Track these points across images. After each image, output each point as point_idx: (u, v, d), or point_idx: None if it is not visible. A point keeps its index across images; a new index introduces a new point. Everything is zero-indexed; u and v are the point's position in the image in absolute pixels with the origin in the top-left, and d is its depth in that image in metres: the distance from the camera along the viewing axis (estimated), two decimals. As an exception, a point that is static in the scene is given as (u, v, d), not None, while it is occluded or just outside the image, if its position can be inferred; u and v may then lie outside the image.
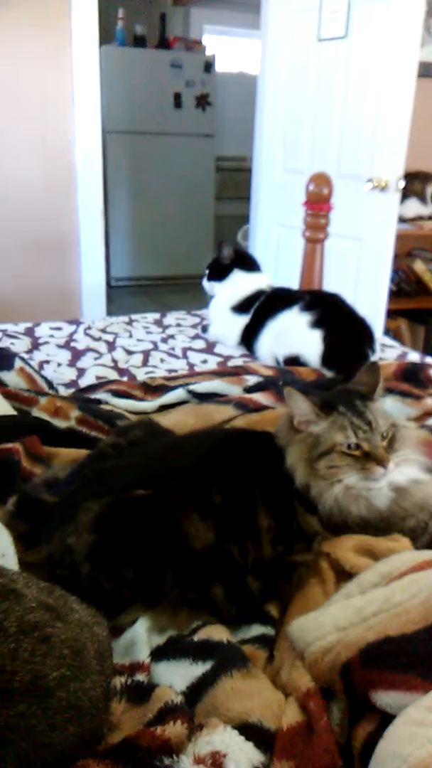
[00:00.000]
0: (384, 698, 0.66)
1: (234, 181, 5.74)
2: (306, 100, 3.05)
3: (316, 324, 1.74)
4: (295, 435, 0.99)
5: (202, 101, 5.23)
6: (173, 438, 1.16)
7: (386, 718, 0.64)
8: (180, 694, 0.67)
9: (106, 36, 4.89)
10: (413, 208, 3.47)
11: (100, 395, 1.42)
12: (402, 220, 3.36)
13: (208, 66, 5.19)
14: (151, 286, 5.50)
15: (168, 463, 1.00)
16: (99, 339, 1.96)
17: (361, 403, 0.99)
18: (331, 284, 2.35)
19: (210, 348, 1.96)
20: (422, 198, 3.50)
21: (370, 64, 2.70)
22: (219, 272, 2.09)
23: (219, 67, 5.36)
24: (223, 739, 0.57)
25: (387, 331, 3.45)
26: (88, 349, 1.86)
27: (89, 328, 2.06)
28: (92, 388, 1.50)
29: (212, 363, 1.82)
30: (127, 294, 5.31)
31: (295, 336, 1.77)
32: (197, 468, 0.97)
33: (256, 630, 0.87)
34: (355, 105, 2.81)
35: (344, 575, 0.89)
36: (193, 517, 0.89)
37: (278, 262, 3.33)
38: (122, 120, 5.01)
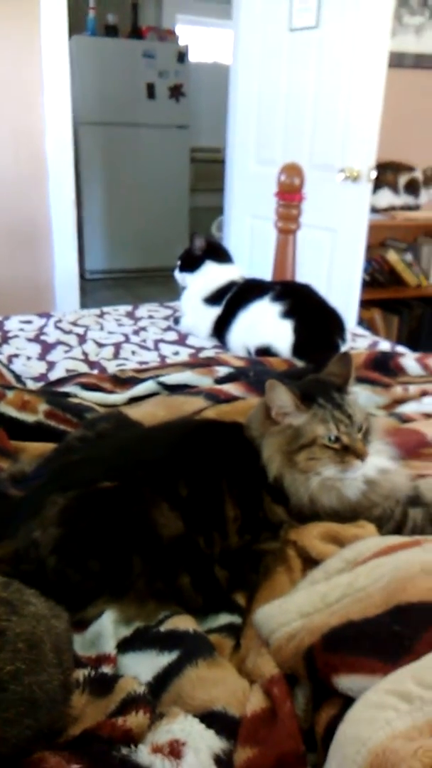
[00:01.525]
0: (345, 682, 0.66)
1: (209, 173, 5.71)
2: (278, 91, 3.04)
3: (287, 314, 1.75)
4: (270, 426, 0.99)
5: (176, 92, 5.20)
6: (141, 430, 1.16)
7: (348, 703, 0.65)
8: (143, 685, 0.67)
9: (77, 25, 4.83)
10: (386, 198, 3.49)
11: (69, 388, 1.41)
12: (375, 210, 3.37)
13: (182, 56, 5.15)
14: (127, 279, 5.47)
15: (136, 455, 1.00)
16: (70, 332, 1.94)
17: (338, 395, 1.00)
18: (304, 275, 2.35)
19: (182, 340, 1.96)
20: (394, 188, 3.52)
21: (342, 54, 2.70)
22: (191, 263, 2.08)
23: (193, 57, 5.32)
24: (183, 727, 0.58)
25: (361, 322, 3.47)
26: (59, 343, 1.85)
27: (60, 321, 2.04)
28: (61, 381, 1.49)
29: (184, 355, 1.82)
30: (102, 287, 5.27)
31: (265, 326, 1.77)
32: (165, 459, 0.97)
33: (224, 619, 0.87)
34: (327, 95, 2.81)
35: (311, 563, 0.90)
36: (162, 506, 0.89)
37: (253, 253, 3.33)
38: (94, 111, 4.96)
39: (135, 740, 0.57)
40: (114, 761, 0.52)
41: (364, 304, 3.42)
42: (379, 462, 1.01)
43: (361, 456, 0.95)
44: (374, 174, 2.75)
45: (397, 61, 3.45)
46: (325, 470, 0.94)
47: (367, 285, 3.50)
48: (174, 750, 0.54)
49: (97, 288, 5.22)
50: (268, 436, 0.99)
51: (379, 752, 0.54)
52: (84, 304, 3.32)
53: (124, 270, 5.50)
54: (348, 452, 0.95)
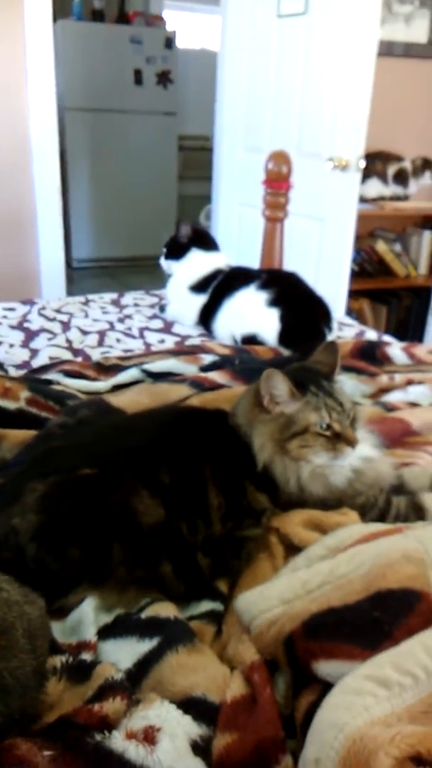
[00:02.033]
0: (325, 668, 0.66)
1: (197, 161, 5.67)
2: (267, 77, 3.02)
3: (273, 302, 1.74)
4: (259, 414, 0.98)
5: (164, 78, 5.15)
6: (123, 416, 1.15)
7: (328, 689, 0.64)
8: (121, 671, 0.67)
9: (63, 10, 4.78)
10: (375, 188, 3.48)
11: (51, 376, 1.39)
12: (364, 200, 3.36)
13: (169, 42, 5.10)
14: (114, 268, 5.43)
15: (117, 442, 0.99)
16: (53, 319, 1.92)
17: (327, 383, 1.00)
18: (292, 264, 2.34)
19: (168, 328, 1.95)
20: (383, 178, 3.51)
21: (330, 41, 2.67)
22: (177, 251, 2.06)
23: (180, 44, 5.27)
24: (159, 713, 0.57)
25: (349, 312, 3.47)
26: (42, 330, 1.83)
27: (44, 308, 2.02)
28: (44, 368, 1.48)
29: (170, 343, 1.80)
30: (89, 276, 5.23)
31: (252, 315, 1.76)
32: (147, 446, 0.96)
33: (206, 606, 0.87)
34: (316, 82, 2.79)
35: (293, 550, 0.90)
36: (143, 493, 0.88)
37: (240, 242, 3.31)
38: (81, 97, 4.90)
39: (111, 726, 0.57)
40: (87, 747, 0.51)
41: (353, 294, 3.42)
42: (363, 450, 1.01)
43: (352, 443, 0.96)
44: (363, 163, 2.74)
45: (387, 49, 3.43)
46: (316, 458, 0.95)
47: (355, 275, 3.50)
48: (148, 736, 0.53)
49: (84, 277, 5.18)
50: (258, 424, 0.98)
51: (357, 738, 0.54)
52: (71, 293, 3.28)
53: (112, 258, 5.46)
54: (339, 439, 0.95)
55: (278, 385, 0.96)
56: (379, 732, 0.54)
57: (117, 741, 0.53)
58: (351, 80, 2.63)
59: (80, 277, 5.15)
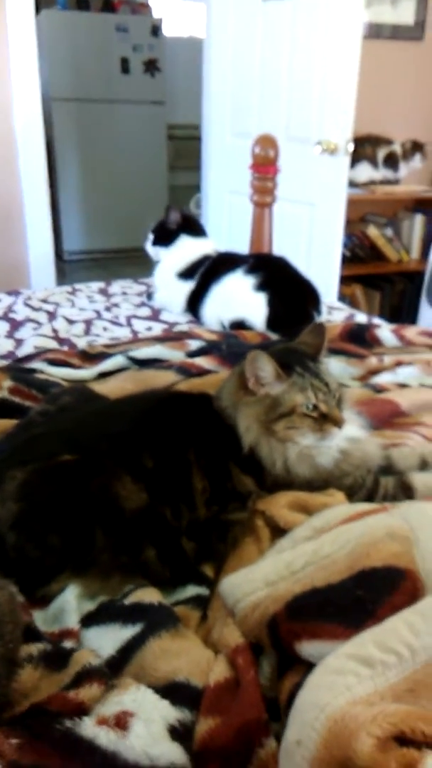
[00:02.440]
0: (308, 649, 0.65)
1: (188, 150, 5.61)
2: (253, 62, 2.98)
3: (261, 287, 1.72)
4: (244, 396, 0.97)
5: (151, 66, 5.09)
6: (106, 402, 1.13)
7: (312, 670, 0.63)
8: (98, 657, 0.66)
9: (46, -2, 4.72)
10: (365, 172, 3.45)
11: (35, 365, 1.37)
12: (354, 185, 3.34)
13: (156, 30, 5.04)
14: (106, 259, 5.39)
15: (99, 428, 0.97)
16: (39, 309, 1.90)
17: (314, 364, 0.99)
18: (283, 250, 2.31)
19: (155, 315, 1.93)
20: (374, 162, 3.48)
21: (316, 24, 2.64)
22: (165, 237, 2.04)
23: (167, 31, 5.21)
24: (135, 698, 0.56)
25: (342, 298, 3.45)
26: (28, 320, 1.80)
27: (29, 298, 1.99)
28: (28, 358, 1.46)
29: (157, 330, 1.78)
30: (81, 268, 5.20)
31: (239, 300, 1.74)
32: (130, 431, 0.94)
33: (191, 591, 0.86)
34: (302, 66, 2.75)
35: (279, 532, 0.88)
36: (125, 479, 0.87)
37: (231, 229, 3.28)
38: (67, 87, 4.85)
39: (87, 713, 0.55)
40: (56, 734, 0.50)
41: (346, 280, 3.40)
42: (350, 431, 1.00)
43: (338, 423, 0.95)
44: (351, 146, 2.71)
45: (374, 32, 3.40)
46: (303, 439, 0.94)
47: (348, 261, 3.48)
48: (120, 721, 0.52)
49: (75, 269, 5.15)
50: (244, 406, 0.97)
51: (338, 718, 0.53)
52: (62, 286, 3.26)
53: (103, 250, 5.43)
54: (326, 420, 0.94)
55: (263, 366, 0.94)
56: (361, 711, 0.53)
57: (87, 727, 0.51)
58: (338, 62, 2.60)
59: (72, 269, 5.12)
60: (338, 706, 0.54)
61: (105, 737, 0.50)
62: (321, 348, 1.04)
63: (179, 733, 0.55)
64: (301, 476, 0.95)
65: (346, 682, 0.56)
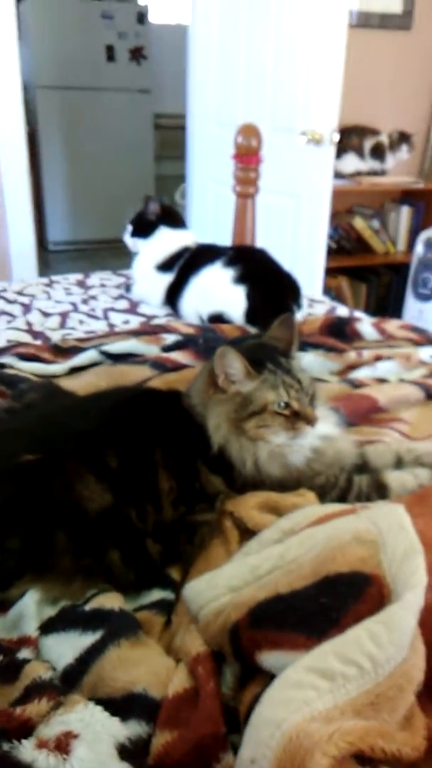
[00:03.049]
0: (268, 659, 0.62)
1: (175, 140, 5.53)
2: (238, 50, 2.93)
3: (240, 280, 1.68)
4: (214, 394, 0.94)
5: (137, 54, 5.02)
6: (73, 399, 1.10)
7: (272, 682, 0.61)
8: (51, 670, 0.63)
9: (29, -16, 4.62)
10: (351, 163, 3.42)
11: (5, 359, 1.34)
12: (341, 176, 3.31)
13: (142, 17, 4.97)
14: (92, 250, 5.32)
15: (63, 426, 0.94)
16: (14, 302, 1.86)
17: (285, 360, 0.97)
18: (268, 243, 2.28)
19: (133, 308, 1.89)
20: (360, 153, 3.45)
21: (302, 12, 2.60)
22: (144, 228, 2.00)
23: (153, 19, 5.14)
24: (82, 717, 0.53)
25: (328, 290, 3.43)
26: (2, 313, 1.76)
27: (4, 290, 1.95)
28: (-1, 351, 1.42)
29: (135, 323, 1.74)
30: (66, 259, 5.13)
31: (218, 293, 1.71)
32: (95, 430, 0.91)
33: (156, 595, 0.83)
34: (288, 55, 2.71)
35: (248, 534, 0.86)
36: (88, 479, 0.84)
37: (216, 220, 3.24)
38: (52, 74, 4.77)
39: (33, 731, 0.52)
40: (-9, 758, 0.47)
41: (331, 272, 3.37)
42: (323, 428, 0.97)
43: (311, 421, 0.92)
44: (337, 137, 2.68)
45: (362, 20, 3.36)
46: (275, 437, 0.91)
47: (334, 253, 3.45)
48: (61, 744, 0.49)
49: (60, 260, 5.08)
50: (213, 404, 0.94)
51: (293, 736, 0.50)
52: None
53: (89, 241, 5.36)
54: (298, 418, 0.92)
55: (232, 363, 0.91)
56: (317, 729, 0.50)
57: (27, 750, 0.48)
58: (323, 51, 2.57)
59: (57, 260, 5.06)
60: (294, 723, 0.51)
61: (44, 761, 0.47)
62: (292, 342, 1.01)
63: (129, 752, 0.52)
64: (273, 476, 0.92)
65: (305, 696, 0.54)
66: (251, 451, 0.91)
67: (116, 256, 5.11)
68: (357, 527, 0.70)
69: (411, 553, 0.65)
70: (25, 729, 0.53)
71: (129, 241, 2.02)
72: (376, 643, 0.57)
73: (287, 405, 0.91)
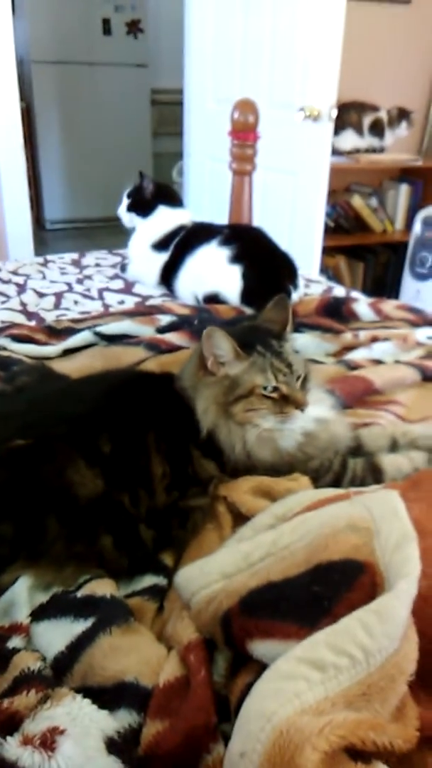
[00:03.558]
0: (260, 648, 0.61)
1: (173, 116, 5.43)
2: (235, 24, 2.87)
3: (235, 259, 1.66)
4: (204, 377, 0.93)
5: (134, 27, 4.92)
6: (66, 383, 1.08)
7: (266, 669, 0.60)
8: (40, 660, 0.62)
9: None
10: (350, 140, 3.36)
11: (-2, 341, 1.32)
12: (339, 153, 3.25)
13: (138, -11, 4.87)
14: (90, 228, 5.26)
15: (55, 411, 0.92)
16: (8, 281, 1.83)
17: (276, 342, 0.95)
18: (265, 220, 2.25)
19: (128, 288, 1.86)
20: (359, 130, 3.39)
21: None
22: (142, 207, 1.96)
23: (150, -9, 5.03)
24: (69, 711, 0.52)
25: (325, 269, 3.40)
26: (-5, 293, 1.74)
27: (-1, 270, 1.93)
28: (-9, 333, 1.40)
29: (130, 304, 1.72)
30: (64, 237, 5.08)
31: (213, 272, 1.68)
32: (87, 414, 0.90)
33: (149, 581, 0.82)
34: (286, 29, 2.65)
35: (242, 519, 0.85)
36: (80, 464, 0.82)
37: (213, 198, 3.20)
38: (47, 49, 4.68)
39: (21, 724, 0.52)
40: (-28, 757, 0.46)
41: (329, 251, 3.34)
42: (317, 412, 0.96)
43: (300, 406, 0.91)
44: (335, 113, 2.63)
45: (362, -8, 3.28)
46: (263, 421, 0.90)
47: (331, 231, 3.41)
48: (46, 741, 0.48)
49: (59, 238, 5.03)
50: (202, 387, 0.92)
51: (284, 730, 0.49)
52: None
53: (87, 219, 5.29)
54: (287, 402, 0.90)
55: (220, 344, 0.90)
56: (308, 722, 0.49)
57: (11, 748, 0.47)
58: (322, 26, 2.51)
59: (55, 239, 5.00)
60: (285, 716, 0.51)
61: (29, 760, 0.46)
62: (286, 324, 0.99)
63: (118, 746, 0.52)
64: (263, 460, 0.91)
65: (296, 688, 0.53)
66: (239, 435, 0.90)
67: (114, 234, 5.04)
68: (351, 514, 0.69)
69: (405, 541, 0.64)
70: (13, 722, 0.52)
71: (125, 215, 1.98)
72: (368, 634, 0.56)
73: (276, 389, 0.90)
